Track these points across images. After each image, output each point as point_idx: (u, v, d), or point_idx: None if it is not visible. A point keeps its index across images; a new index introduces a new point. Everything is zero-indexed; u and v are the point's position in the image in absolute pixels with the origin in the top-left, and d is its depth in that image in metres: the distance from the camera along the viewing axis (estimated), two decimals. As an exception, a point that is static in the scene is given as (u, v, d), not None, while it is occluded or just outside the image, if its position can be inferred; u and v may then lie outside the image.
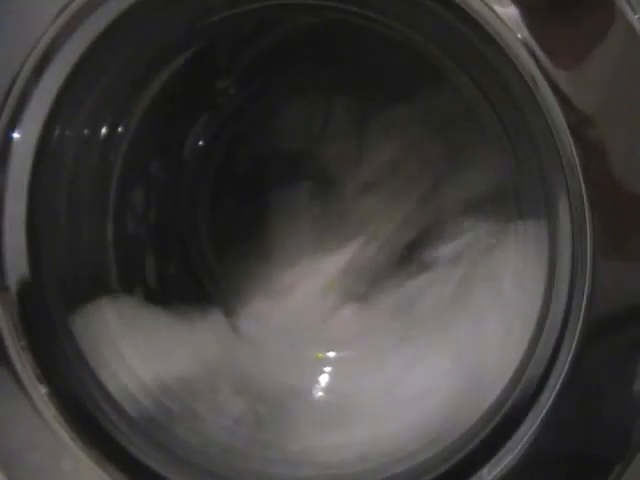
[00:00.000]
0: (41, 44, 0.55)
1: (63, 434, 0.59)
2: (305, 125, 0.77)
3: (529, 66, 0.50)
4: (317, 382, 0.73)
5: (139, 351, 0.67)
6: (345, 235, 0.77)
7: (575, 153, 0.50)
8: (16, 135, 0.57)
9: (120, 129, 0.66)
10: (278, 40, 0.71)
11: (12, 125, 0.56)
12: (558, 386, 0.51)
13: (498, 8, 0.50)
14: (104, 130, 0.65)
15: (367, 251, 0.77)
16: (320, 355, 0.75)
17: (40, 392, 0.59)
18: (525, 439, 0.52)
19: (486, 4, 0.51)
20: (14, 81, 0.56)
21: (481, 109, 0.65)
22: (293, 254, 0.77)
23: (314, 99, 0.76)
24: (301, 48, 0.72)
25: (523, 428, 0.53)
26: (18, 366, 0.59)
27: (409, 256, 0.75)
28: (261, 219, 0.77)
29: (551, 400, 0.52)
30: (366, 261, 0.76)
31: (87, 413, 0.61)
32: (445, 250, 0.74)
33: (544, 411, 0.52)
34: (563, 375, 0.51)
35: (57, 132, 0.59)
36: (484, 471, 0.54)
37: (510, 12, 0.50)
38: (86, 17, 0.56)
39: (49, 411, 0.59)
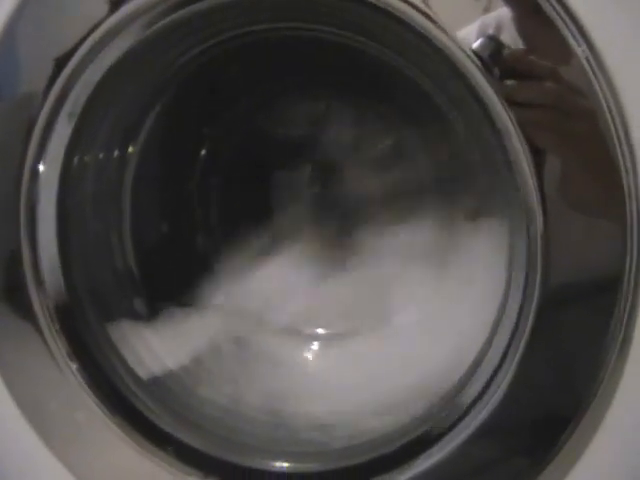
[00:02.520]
0: (57, 84, 0.62)
1: (89, 402, 0.67)
2: (306, 114, 0.82)
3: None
4: (307, 355, 0.80)
5: (158, 332, 0.75)
6: (343, 216, 0.83)
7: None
8: (41, 167, 0.65)
9: (130, 149, 0.74)
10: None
11: (37, 159, 0.64)
12: (517, 357, 0.58)
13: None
14: (117, 152, 0.73)
15: (362, 233, 0.82)
16: (311, 331, 0.82)
17: (71, 367, 0.67)
18: (490, 403, 0.59)
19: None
20: (35, 120, 0.63)
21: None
22: (294, 234, 0.83)
23: (313, 95, 0.81)
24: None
25: (489, 393, 0.60)
26: (52, 346, 0.68)
27: (395, 238, 0.81)
28: (264, 201, 0.83)
29: (511, 370, 0.58)
30: (360, 243, 0.82)
31: (110, 383, 0.69)
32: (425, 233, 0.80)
33: (506, 379, 0.58)
34: (523, 344, 0.57)
35: (76, 160, 0.67)
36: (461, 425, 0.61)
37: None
38: (98, 54, 0.63)
39: (79, 385, 0.67)
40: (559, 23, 0.54)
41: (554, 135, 0.55)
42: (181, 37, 0.68)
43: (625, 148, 0.54)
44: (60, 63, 0.63)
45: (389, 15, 0.58)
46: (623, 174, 0.54)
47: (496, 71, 0.55)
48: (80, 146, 0.67)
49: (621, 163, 0.54)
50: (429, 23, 0.56)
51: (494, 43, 0.55)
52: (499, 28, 0.55)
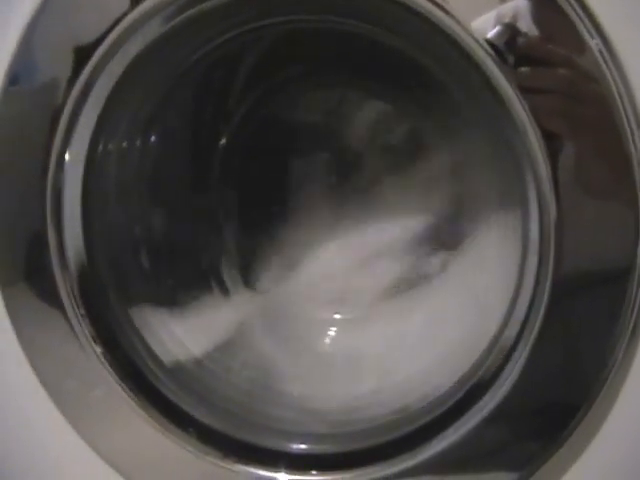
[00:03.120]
0: (82, 75, 0.64)
1: (112, 382, 0.68)
2: (322, 102, 0.82)
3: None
4: (324, 339, 0.81)
5: (180, 318, 0.76)
6: (359, 205, 0.83)
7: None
8: (67, 154, 0.67)
9: (153, 138, 0.75)
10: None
11: (64, 146, 0.66)
12: (529, 345, 0.59)
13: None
14: (139, 141, 0.74)
15: (380, 221, 0.83)
16: (330, 315, 0.82)
17: (95, 350, 0.69)
18: (502, 389, 0.60)
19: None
20: (61, 109, 0.65)
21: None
22: (311, 222, 0.83)
23: (329, 85, 0.82)
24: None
25: (501, 378, 0.61)
26: (77, 329, 0.69)
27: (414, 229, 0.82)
28: (281, 189, 0.84)
29: (523, 357, 0.59)
30: (378, 231, 0.83)
31: (133, 365, 0.70)
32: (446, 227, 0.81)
33: (518, 365, 0.60)
34: (535, 332, 0.58)
35: (101, 148, 0.69)
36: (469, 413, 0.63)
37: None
38: (121, 46, 0.65)
39: (103, 367, 0.68)
40: (573, 16, 0.55)
41: (566, 121, 0.56)
42: (200, 30, 0.69)
43: (636, 135, 0.55)
44: (84, 54, 0.65)
45: (404, 6, 0.59)
46: (634, 160, 0.55)
47: (511, 59, 0.56)
48: (104, 134, 0.69)
49: (632, 150, 0.55)
50: (441, 12, 0.57)
51: (510, 30, 0.56)
52: (515, 18, 0.56)
